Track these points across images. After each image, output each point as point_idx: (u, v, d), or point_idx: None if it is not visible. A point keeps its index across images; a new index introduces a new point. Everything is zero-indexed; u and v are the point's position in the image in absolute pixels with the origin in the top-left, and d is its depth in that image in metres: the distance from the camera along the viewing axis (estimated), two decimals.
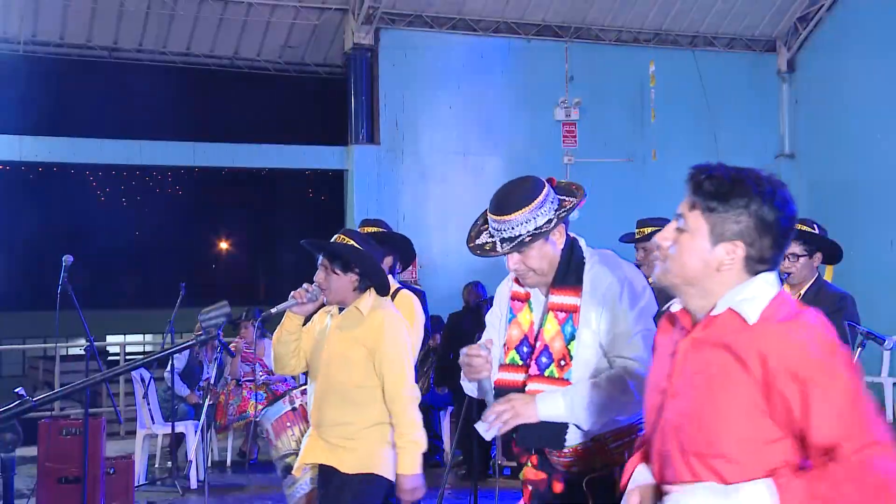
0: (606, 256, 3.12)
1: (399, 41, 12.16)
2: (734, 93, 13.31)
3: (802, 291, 4.92)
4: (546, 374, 2.98)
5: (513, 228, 2.96)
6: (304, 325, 4.11)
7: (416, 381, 5.95)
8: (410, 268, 9.75)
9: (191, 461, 7.95)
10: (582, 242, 3.14)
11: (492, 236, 3.03)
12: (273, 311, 3.94)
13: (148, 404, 8.08)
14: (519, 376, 3.03)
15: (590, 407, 2.85)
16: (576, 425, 2.92)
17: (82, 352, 6.87)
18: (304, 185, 23.04)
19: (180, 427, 8.03)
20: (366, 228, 5.35)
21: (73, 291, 6.38)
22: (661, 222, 5.71)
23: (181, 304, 8.19)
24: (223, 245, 30.86)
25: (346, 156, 12.19)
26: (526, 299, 3.13)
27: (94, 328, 7.00)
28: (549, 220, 2.98)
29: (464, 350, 2.94)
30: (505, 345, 3.13)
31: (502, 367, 3.10)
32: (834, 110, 12.82)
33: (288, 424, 4.24)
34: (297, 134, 13.36)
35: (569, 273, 3.03)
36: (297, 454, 4.11)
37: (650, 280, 5.63)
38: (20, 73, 11.50)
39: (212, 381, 7.79)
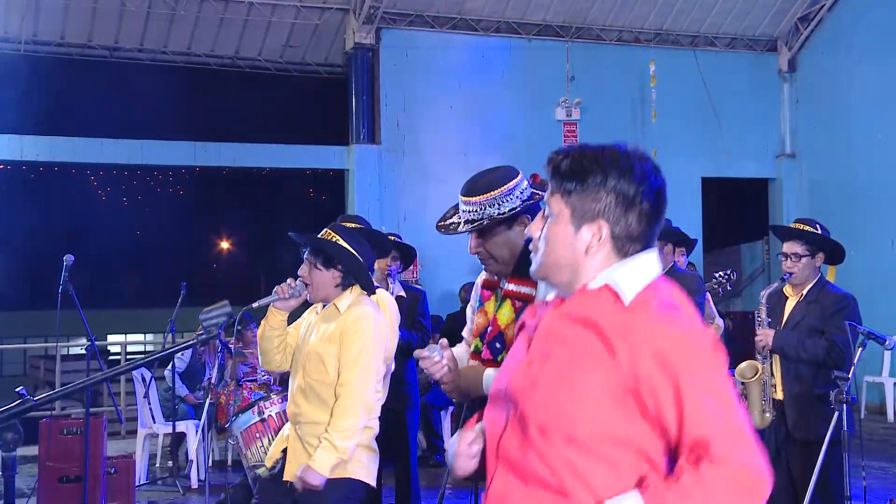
0: None
1: (400, 41, 12.16)
2: (735, 92, 13.31)
3: (805, 292, 4.92)
4: (498, 359, 3.01)
5: (477, 211, 3.02)
6: (293, 322, 4.09)
7: (409, 380, 5.92)
8: (411, 267, 9.74)
9: (192, 460, 7.95)
10: None
11: (459, 217, 3.08)
12: (255, 305, 3.89)
13: (149, 404, 8.08)
14: (476, 364, 3.09)
15: None
16: None
17: (83, 351, 6.86)
18: (305, 184, 23.03)
19: (181, 427, 8.03)
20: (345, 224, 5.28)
21: (73, 291, 6.38)
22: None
23: (182, 303, 8.19)
24: (224, 245, 30.84)
25: (347, 155, 12.19)
26: (494, 287, 3.18)
27: (95, 327, 7.00)
28: (513, 209, 3.01)
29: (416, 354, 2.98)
30: (472, 332, 3.20)
31: (472, 354, 3.16)
32: (835, 110, 12.82)
33: (257, 435, 4.21)
34: (298, 133, 13.36)
35: (527, 263, 3.04)
36: (266, 467, 4.05)
37: None
38: (21, 73, 11.50)
39: (213, 381, 7.79)
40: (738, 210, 15.48)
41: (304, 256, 3.93)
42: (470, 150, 12.18)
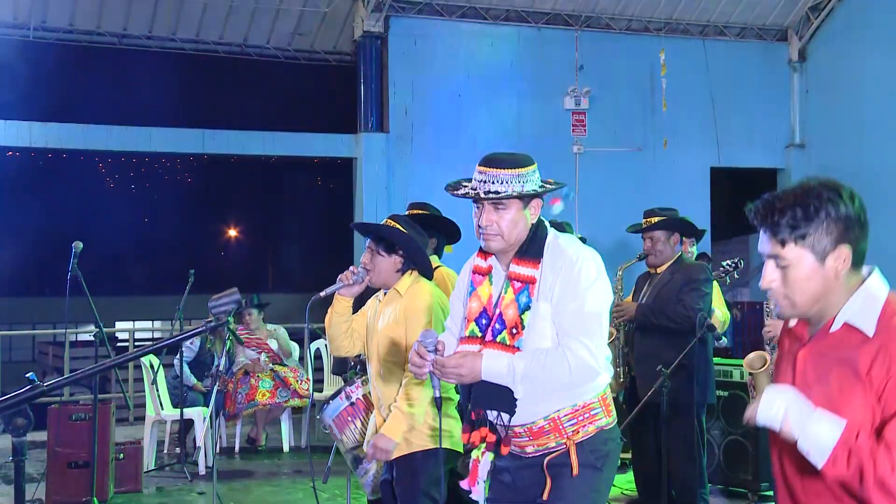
0: (568, 237, 3.24)
1: (409, 29, 12.14)
2: (745, 82, 13.26)
3: None
4: (498, 339, 3.09)
5: (500, 182, 3.07)
6: (356, 310, 4.24)
7: None
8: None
9: (199, 447, 7.99)
10: (548, 224, 3.24)
11: (475, 186, 3.11)
12: (322, 294, 4.03)
13: (157, 390, 8.11)
14: (476, 347, 3.12)
15: (528, 376, 2.96)
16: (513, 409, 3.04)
17: (91, 338, 6.89)
18: (313, 172, 23.06)
19: (189, 413, 8.07)
20: (412, 211, 5.51)
21: (82, 278, 6.40)
22: (667, 212, 5.72)
23: (190, 290, 8.22)
24: (232, 232, 30.90)
25: (355, 143, 12.19)
26: (487, 273, 3.22)
27: (104, 314, 7.02)
28: (533, 192, 3.10)
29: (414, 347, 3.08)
30: (465, 317, 3.23)
31: (462, 339, 3.20)
32: (845, 100, 12.77)
33: (349, 419, 4.34)
34: (306, 121, 13.36)
35: (532, 246, 3.14)
36: (363, 446, 4.20)
37: (655, 270, 5.64)
38: (29, 60, 11.52)
39: (221, 369, 7.82)
40: (747, 200, 15.35)
41: (367, 244, 4.14)
42: (478, 138, 12.16)
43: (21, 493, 2.50)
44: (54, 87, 12.07)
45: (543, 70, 12.49)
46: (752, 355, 5.05)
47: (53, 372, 20.55)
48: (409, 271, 4.12)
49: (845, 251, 2.25)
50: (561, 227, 5.95)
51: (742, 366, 5.10)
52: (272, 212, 28.68)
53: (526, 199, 3.10)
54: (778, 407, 2.19)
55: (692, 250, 6.50)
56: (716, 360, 5.99)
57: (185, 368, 8.53)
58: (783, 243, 2.27)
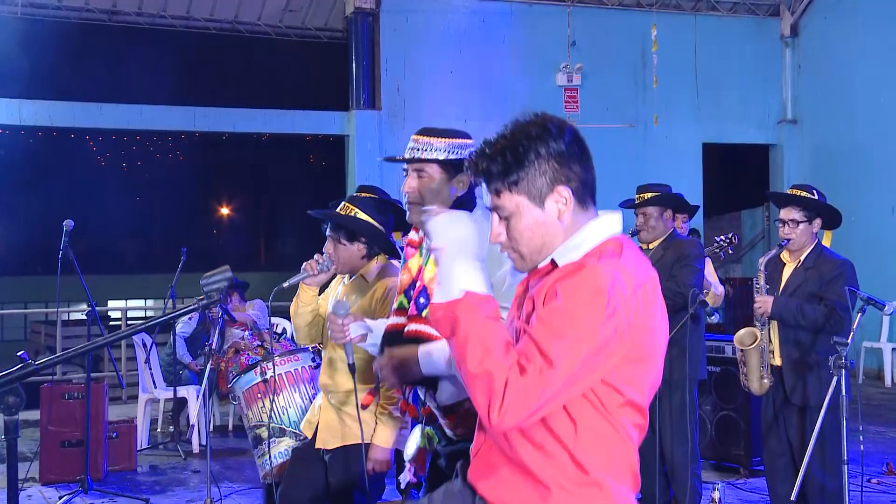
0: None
1: (400, 5, 12.07)
2: (737, 58, 13.24)
3: (802, 258, 4.93)
4: (423, 314, 3.00)
5: (426, 150, 3.06)
6: (321, 294, 4.13)
7: None
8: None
9: (193, 425, 8.00)
10: (479, 203, 3.13)
11: (407, 152, 3.12)
12: (285, 285, 3.94)
13: (150, 369, 8.11)
14: (401, 320, 3.08)
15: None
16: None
17: (84, 317, 6.89)
18: (305, 150, 22.96)
19: (182, 392, 8.07)
20: (362, 194, 5.36)
21: (74, 256, 6.39)
22: (660, 188, 5.71)
23: (182, 269, 8.20)
24: (224, 210, 30.82)
25: (347, 121, 12.15)
26: (419, 245, 3.17)
27: (96, 293, 7.02)
28: (460, 161, 3.00)
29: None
30: (396, 289, 3.21)
31: (394, 311, 3.16)
32: (837, 75, 12.76)
33: (259, 395, 4.26)
34: (298, 99, 13.30)
35: None
36: (267, 428, 4.12)
37: (646, 246, 5.64)
38: (19, 37, 11.41)
39: (213, 347, 7.81)
40: (738, 176, 15.45)
41: (327, 233, 3.99)
42: (470, 115, 12.12)
43: (14, 471, 2.50)
44: (44, 65, 11.98)
45: (535, 46, 12.45)
46: (742, 332, 5.08)
47: (46, 351, 20.52)
48: (377, 256, 3.99)
49: (564, 191, 2.12)
50: None
51: (734, 342, 5.11)
52: (264, 189, 28.60)
53: (450, 170, 3.03)
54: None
55: (684, 226, 6.50)
56: (708, 335, 6.01)
57: (182, 344, 8.53)
58: (498, 193, 2.14)
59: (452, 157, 3.04)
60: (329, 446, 3.94)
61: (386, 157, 3.24)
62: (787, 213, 4.91)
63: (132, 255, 28.69)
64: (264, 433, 4.12)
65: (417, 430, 3.11)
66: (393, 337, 3.10)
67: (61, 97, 11.74)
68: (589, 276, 2.03)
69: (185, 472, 7.28)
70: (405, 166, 3.12)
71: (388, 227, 4.07)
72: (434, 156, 3.05)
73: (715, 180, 14.26)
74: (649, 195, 5.63)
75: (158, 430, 8.74)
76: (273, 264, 27.00)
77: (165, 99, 12.44)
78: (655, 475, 5.15)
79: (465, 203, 3.09)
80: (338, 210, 4.01)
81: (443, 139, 3.06)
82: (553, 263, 2.15)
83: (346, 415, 3.90)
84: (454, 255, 2.13)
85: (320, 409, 4.04)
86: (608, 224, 2.18)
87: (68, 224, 6.39)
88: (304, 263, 3.95)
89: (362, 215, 3.95)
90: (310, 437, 4.05)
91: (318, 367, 4.25)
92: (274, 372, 4.27)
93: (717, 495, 4.90)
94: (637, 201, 5.68)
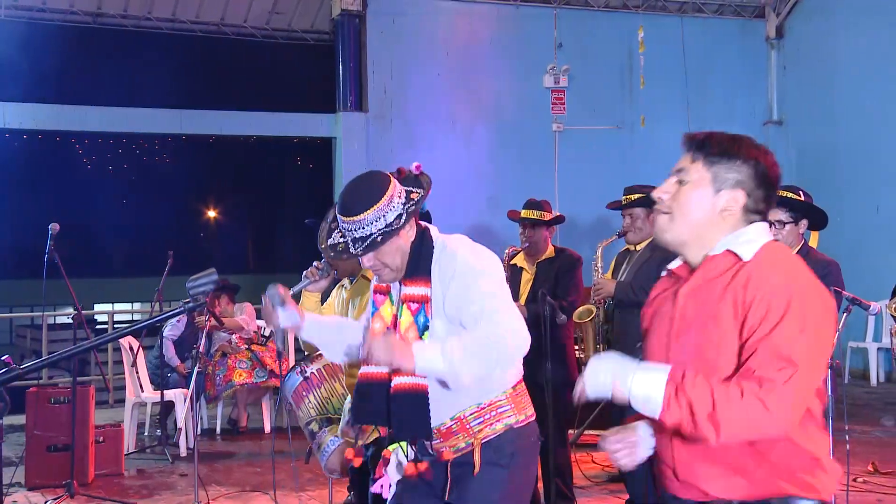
0: (454, 240, 3.09)
1: (387, 7, 12.07)
2: (723, 59, 13.29)
3: None
4: None
5: (363, 228, 2.94)
6: (323, 301, 4.18)
7: None
8: None
9: (180, 429, 7.97)
10: (433, 231, 3.12)
11: (343, 236, 3.01)
12: (290, 292, 3.97)
13: (137, 373, 8.08)
14: (383, 369, 3.02)
15: (465, 354, 2.80)
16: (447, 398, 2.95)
17: (70, 320, 6.86)
18: (292, 152, 22.94)
19: (170, 395, 8.05)
20: None
21: (59, 260, 6.36)
22: (647, 189, 5.72)
23: (169, 272, 8.17)
24: (211, 213, 30.76)
25: (334, 123, 12.13)
26: (387, 292, 3.13)
27: (82, 297, 6.99)
28: (399, 216, 2.96)
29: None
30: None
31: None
32: (822, 77, 12.82)
33: (304, 394, 4.34)
34: (285, 101, 13.27)
35: (420, 264, 3.03)
36: (317, 420, 4.20)
37: (634, 247, 5.64)
38: (2, 40, 11.36)
39: (200, 350, 7.79)
40: None
41: None
42: (458, 117, 12.15)
43: None
44: (29, 68, 11.91)
45: (522, 48, 12.46)
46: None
47: (31, 355, 20.43)
48: None
49: (741, 195, 2.31)
50: (540, 205, 5.95)
51: None
52: (251, 192, 28.55)
53: (395, 230, 2.96)
54: (604, 375, 2.25)
55: None
56: None
57: (170, 347, 8.50)
58: (693, 160, 2.35)
59: (391, 218, 2.95)
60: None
61: (331, 254, 3.07)
62: (773, 215, 4.92)
63: (119, 258, 28.60)
64: (315, 426, 4.24)
65: (397, 450, 3.09)
66: (377, 387, 3.03)
67: (46, 100, 11.69)
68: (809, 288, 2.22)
69: (172, 475, 7.25)
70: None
71: None
72: (373, 229, 2.95)
73: None
74: (636, 196, 5.64)
75: (146, 433, 8.70)
76: (260, 267, 26.94)
77: (151, 102, 12.40)
78: (643, 475, 5.16)
79: (423, 240, 3.06)
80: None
81: (370, 210, 2.93)
82: (733, 254, 2.29)
83: None
84: (626, 378, 2.26)
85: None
86: (766, 230, 2.36)
87: (54, 227, 6.36)
88: (306, 271, 3.98)
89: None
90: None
91: None
92: (308, 370, 4.35)
93: None
94: (623, 202, 5.69)
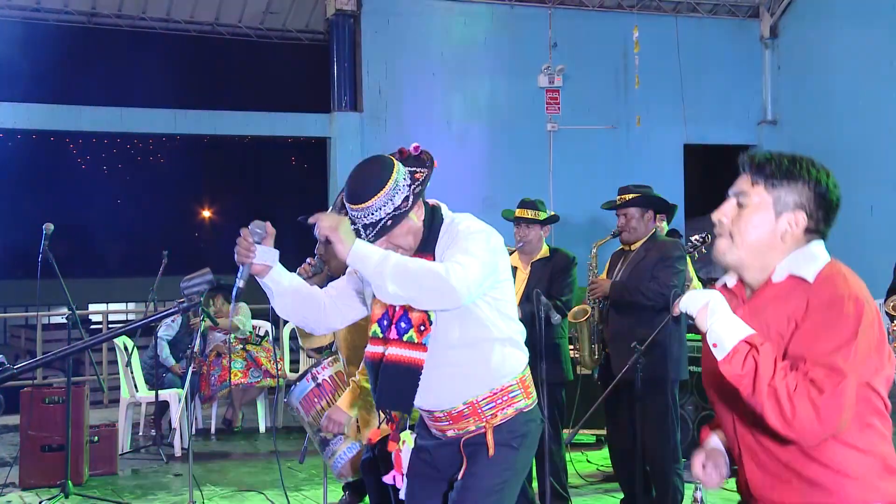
0: (461, 216, 3.16)
1: (381, 7, 12.06)
2: (717, 59, 13.30)
3: None
4: (405, 339, 3.07)
5: (372, 214, 2.97)
6: None
7: None
8: None
9: (175, 429, 7.97)
10: (444, 208, 3.18)
11: (353, 223, 3.02)
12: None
13: (131, 372, 8.07)
14: (380, 348, 3.11)
15: (401, 266, 2.81)
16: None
17: (64, 320, 6.85)
18: (287, 152, 22.95)
19: (164, 395, 8.04)
20: None
21: (54, 259, 6.36)
22: (641, 189, 5.73)
23: (164, 271, 8.17)
24: (206, 213, 30.74)
25: (329, 123, 12.12)
26: None
27: (77, 297, 6.98)
28: (406, 198, 3.00)
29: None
30: (370, 319, 3.22)
31: (370, 340, 3.19)
32: (817, 77, 12.83)
33: (315, 400, 4.33)
34: (279, 101, 13.27)
35: (428, 241, 3.10)
36: None
37: (629, 247, 5.64)
38: None
39: (195, 350, 7.80)
40: (719, 177, 15.47)
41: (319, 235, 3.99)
42: (452, 117, 12.14)
43: None
44: (22, 67, 11.90)
45: (517, 48, 12.46)
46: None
47: (26, 355, 20.40)
48: None
49: (802, 217, 2.34)
50: (534, 205, 5.95)
51: None
52: (246, 192, 28.53)
53: (405, 213, 3.00)
54: (702, 300, 2.29)
55: (663, 226, 6.52)
56: (689, 336, 6.04)
57: (166, 347, 8.49)
58: (754, 183, 2.37)
59: (399, 201, 2.99)
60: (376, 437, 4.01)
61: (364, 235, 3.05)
62: None
63: (113, 258, 28.55)
64: (330, 435, 4.18)
65: (408, 437, 3.20)
66: (374, 365, 3.14)
67: (41, 100, 11.66)
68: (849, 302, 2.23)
69: (167, 475, 7.24)
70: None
71: None
72: (383, 214, 2.98)
73: (696, 181, 14.30)
74: (630, 196, 5.65)
75: (140, 433, 8.70)
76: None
77: (146, 101, 12.39)
78: (637, 475, 5.17)
79: (434, 218, 3.12)
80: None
81: (377, 196, 2.96)
82: (797, 278, 2.32)
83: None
84: (715, 311, 2.28)
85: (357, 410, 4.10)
86: (824, 249, 2.40)
87: (48, 227, 6.35)
88: (298, 269, 3.97)
89: None
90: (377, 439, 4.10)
91: None
92: (321, 376, 4.33)
93: (698, 495, 4.91)
94: (618, 202, 5.70)
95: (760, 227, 2.35)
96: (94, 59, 13.69)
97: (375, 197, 2.96)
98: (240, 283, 3.06)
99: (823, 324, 2.20)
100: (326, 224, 2.82)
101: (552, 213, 6.12)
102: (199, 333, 7.58)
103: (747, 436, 2.37)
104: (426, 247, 3.09)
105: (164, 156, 24.63)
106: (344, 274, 4.04)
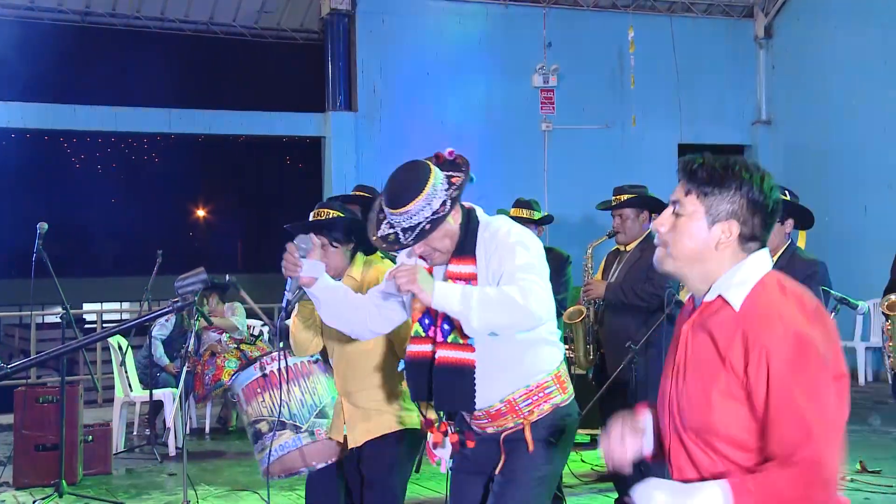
0: (497, 219, 3.25)
1: (376, 6, 12.06)
2: (712, 59, 13.32)
3: (775, 258, 4.96)
4: (449, 340, 3.13)
5: (411, 218, 3.04)
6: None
7: None
8: None
9: (169, 428, 7.96)
10: (479, 211, 3.25)
11: (392, 227, 3.09)
12: (290, 297, 3.97)
13: (126, 372, 8.06)
14: (425, 347, 3.18)
15: (483, 301, 2.91)
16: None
17: (58, 320, 6.84)
18: (281, 152, 22.94)
19: (158, 395, 8.03)
20: (357, 192, 5.50)
21: (48, 259, 6.34)
22: (637, 189, 5.74)
23: (158, 271, 8.15)
24: (200, 212, 30.70)
25: (324, 122, 12.12)
26: (429, 272, 3.20)
27: (71, 296, 6.97)
28: (444, 202, 3.06)
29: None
30: (411, 318, 3.29)
31: (411, 339, 3.25)
32: (810, 76, 12.86)
33: (258, 390, 4.22)
34: (274, 100, 13.26)
35: (466, 243, 3.16)
36: (267, 421, 4.13)
37: (624, 247, 5.67)
38: None
39: (189, 349, 7.78)
40: None
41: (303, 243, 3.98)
42: (447, 117, 12.14)
43: None
44: (16, 66, 11.86)
45: (511, 48, 12.47)
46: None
47: (20, 355, 20.35)
48: (355, 255, 4.06)
49: (735, 227, 2.28)
50: (528, 205, 5.95)
51: None
52: (241, 191, 28.51)
53: (444, 217, 3.05)
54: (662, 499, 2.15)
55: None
56: None
57: (160, 347, 8.48)
58: (688, 192, 2.32)
59: (437, 205, 3.05)
60: (360, 443, 4.01)
61: (383, 247, 3.19)
62: None
63: (107, 257, 28.51)
64: (265, 427, 4.13)
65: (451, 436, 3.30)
66: (421, 366, 3.20)
67: (35, 99, 11.64)
68: (800, 343, 2.15)
69: (161, 475, 7.24)
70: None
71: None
72: (423, 219, 3.04)
73: None
74: (626, 197, 5.65)
75: (134, 433, 8.69)
76: (250, 266, 26.89)
77: (140, 100, 12.37)
78: (631, 471, 5.17)
79: (470, 220, 3.19)
80: (313, 217, 3.99)
81: (415, 201, 3.02)
82: (724, 300, 2.26)
83: (372, 411, 3.99)
84: None
85: (342, 411, 4.09)
86: (763, 261, 2.32)
87: (42, 226, 6.34)
88: (283, 265, 3.92)
89: (348, 216, 4.02)
90: (340, 440, 4.10)
91: (316, 362, 4.27)
92: (281, 364, 4.23)
93: None
94: (613, 202, 5.70)
95: (694, 237, 2.30)
96: (88, 58, 13.66)
97: (414, 202, 3.01)
98: (288, 295, 3.24)
99: (779, 382, 2.11)
100: (404, 280, 2.92)
101: (546, 213, 6.12)
102: (193, 333, 7.56)
103: (678, 447, 2.33)
104: (464, 250, 3.15)
105: (158, 155, 24.60)
106: (336, 278, 4.05)
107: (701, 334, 2.29)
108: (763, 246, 2.33)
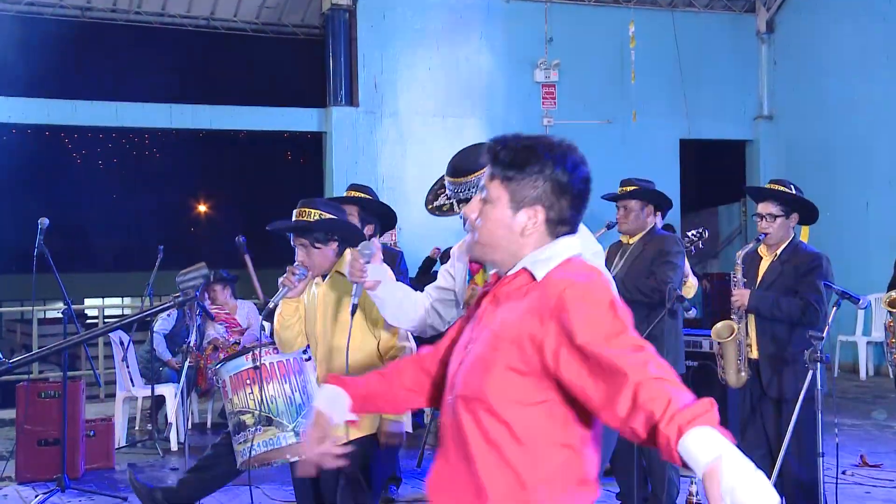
0: None
1: (377, 1, 12.05)
2: (713, 54, 13.30)
3: (779, 252, 4.97)
4: None
5: (469, 190, 3.14)
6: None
7: None
8: (390, 231, 9.75)
9: (171, 423, 7.97)
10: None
11: (449, 198, 3.19)
12: (272, 306, 4.01)
13: (127, 367, 8.07)
14: None
15: None
16: None
17: (60, 315, 6.84)
18: (283, 147, 22.90)
19: (160, 390, 8.03)
20: (352, 192, 5.48)
21: (49, 254, 6.34)
22: (645, 182, 5.74)
23: (160, 266, 8.16)
24: (201, 207, 30.66)
25: (325, 117, 12.11)
26: (480, 269, 3.28)
27: (72, 291, 6.97)
28: None
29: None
30: (464, 306, 3.36)
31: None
32: (812, 71, 12.84)
33: (247, 382, 4.18)
34: (275, 95, 13.25)
35: None
36: (253, 414, 4.10)
37: (627, 240, 5.67)
38: None
39: (191, 344, 7.78)
40: (715, 172, 15.52)
41: (294, 242, 3.99)
42: (448, 112, 12.13)
43: None
44: (17, 61, 11.85)
45: (513, 43, 12.46)
46: (719, 325, 5.11)
47: (21, 350, 20.35)
48: (345, 251, 4.04)
49: (541, 212, 2.20)
50: None
51: (711, 335, 5.15)
52: (242, 186, 28.42)
53: None
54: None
55: (659, 222, 6.53)
56: (686, 330, 6.04)
57: (162, 342, 8.48)
58: (492, 177, 2.24)
59: None
60: (343, 441, 3.95)
61: (434, 212, 3.35)
62: (764, 208, 4.97)
63: (109, 252, 28.44)
64: (249, 420, 4.07)
65: None
66: None
67: (36, 94, 11.63)
68: (598, 291, 2.12)
69: (163, 469, 7.24)
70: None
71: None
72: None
73: (692, 176, 14.31)
74: (632, 188, 5.66)
75: (136, 428, 8.69)
76: (251, 261, 26.84)
77: (141, 96, 12.36)
78: (633, 470, 5.17)
79: None
80: (296, 217, 4.00)
81: (478, 173, 3.09)
82: (529, 275, 2.20)
83: None
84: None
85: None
86: (572, 245, 2.26)
87: (43, 222, 6.34)
88: (280, 279, 3.94)
89: (327, 215, 3.97)
90: None
91: (308, 359, 4.24)
92: (262, 359, 4.20)
93: (694, 489, 4.93)
94: (619, 193, 5.70)
95: (500, 224, 2.21)
96: (89, 53, 13.65)
97: (475, 174, 3.13)
98: (355, 300, 3.36)
99: (590, 333, 2.04)
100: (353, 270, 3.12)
101: None
102: (195, 327, 7.56)
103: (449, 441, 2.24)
104: None
105: (159, 150, 24.55)
106: (326, 276, 4.04)
107: (496, 306, 2.23)
108: (573, 231, 2.26)
